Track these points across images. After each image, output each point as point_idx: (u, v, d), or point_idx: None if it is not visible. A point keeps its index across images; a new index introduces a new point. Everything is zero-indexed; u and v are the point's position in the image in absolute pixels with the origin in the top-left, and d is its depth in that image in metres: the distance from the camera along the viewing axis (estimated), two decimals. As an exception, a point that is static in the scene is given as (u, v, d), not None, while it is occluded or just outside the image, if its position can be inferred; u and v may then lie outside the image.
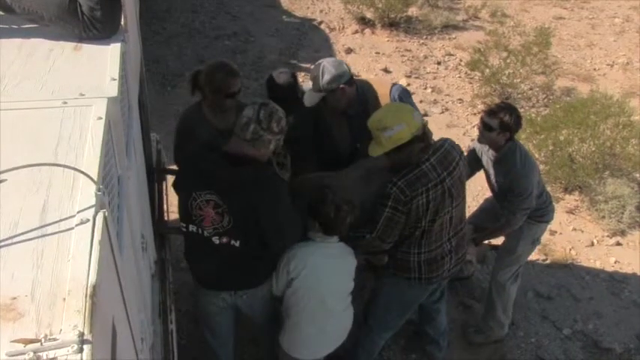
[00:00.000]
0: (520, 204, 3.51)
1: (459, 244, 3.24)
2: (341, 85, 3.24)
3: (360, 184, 3.09)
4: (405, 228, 2.96)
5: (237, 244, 2.69)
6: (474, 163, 3.79)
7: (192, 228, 2.73)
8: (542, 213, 3.72)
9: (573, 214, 5.30)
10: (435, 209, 2.94)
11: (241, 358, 3.51)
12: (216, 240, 2.69)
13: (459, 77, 7.19)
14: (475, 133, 6.21)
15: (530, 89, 6.92)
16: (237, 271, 2.81)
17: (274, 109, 2.65)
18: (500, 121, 3.40)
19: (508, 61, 6.69)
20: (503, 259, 3.88)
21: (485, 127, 3.46)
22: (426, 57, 7.49)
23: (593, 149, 5.41)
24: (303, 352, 3.04)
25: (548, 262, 4.78)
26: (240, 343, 3.45)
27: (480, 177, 4.04)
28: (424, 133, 2.89)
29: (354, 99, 3.34)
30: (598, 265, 4.81)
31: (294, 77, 3.57)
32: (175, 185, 2.84)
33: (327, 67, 3.26)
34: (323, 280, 2.87)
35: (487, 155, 3.67)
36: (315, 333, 2.98)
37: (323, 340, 3.05)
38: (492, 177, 3.69)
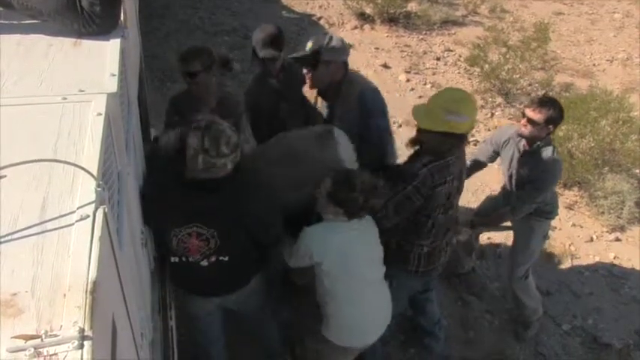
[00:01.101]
0: (536, 196, 3.55)
1: (451, 240, 3.32)
2: (339, 60, 3.22)
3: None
4: (419, 214, 3.00)
5: (227, 258, 2.63)
6: (485, 157, 3.91)
7: (174, 259, 2.63)
8: (550, 209, 3.77)
9: (572, 209, 5.31)
10: (449, 201, 3.01)
11: (237, 355, 3.50)
12: (204, 263, 2.62)
13: (459, 73, 7.19)
14: (474, 128, 6.23)
15: (530, 85, 6.91)
16: (226, 279, 2.77)
17: (219, 130, 2.34)
18: (547, 116, 3.39)
19: (507, 56, 6.68)
20: (518, 257, 3.93)
21: (529, 121, 3.44)
22: (425, 52, 7.48)
23: (593, 145, 5.41)
24: (352, 337, 2.94)
25: (547, 257, 4.78)
26: (236, 341, 3.45)
27: (481, 173, 4.07)
28: (463, 143, 2.97)
29: (336, 83, 3.29)
30: (597, 260, 4.81)
31: (279, 30, 3.59)
32: (146, 220, 2.61)
33: (335, 38, 3.24)
34: (351, 255, 2.79)
35: (517, 147, 3.65)
36: (359, 312, 2.88)
37: (368, 319, 2.95)
38: (514, 169, 3.69)
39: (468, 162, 3.88)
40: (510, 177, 3.74)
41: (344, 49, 3.28)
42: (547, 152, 3.50)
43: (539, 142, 3.50)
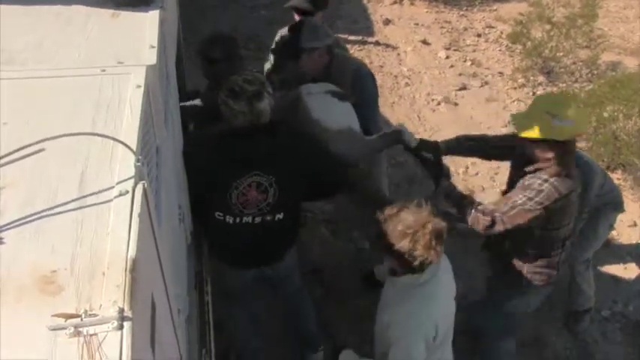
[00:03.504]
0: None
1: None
2: (322, 45, 3.11)
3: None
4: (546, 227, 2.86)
5: (282, 216, 2.65)
6: None
7: (229, 219, 2.63)
8: (618, 201, 3.78)
9: (616, 193, 5.14)
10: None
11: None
12: (258, 219, 2.63)
13: (500, 50, 6.99)
14: (515, 107, 6.07)
15: (574, 63, 6.68)
16: (271, 242, 2.78)
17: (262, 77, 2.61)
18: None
19: (551, 33, 6.46)
20: (585, 241, 3.85)
21: None
22: (465, 29, 7.29)
23: (639, 127, 5.22)
24: None
25: (588, 241, 4.65)
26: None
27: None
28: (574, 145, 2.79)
29: (323, 69, 3.19)
30: (641, 245, 4.67)
31: None
32: (198, 187, 2.66)
33: (313, 23, 3.15)
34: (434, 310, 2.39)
35: None
36: None
37: None
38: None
39: None
40: None
41: (325, 33, 3.16)
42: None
43: None
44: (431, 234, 2.19)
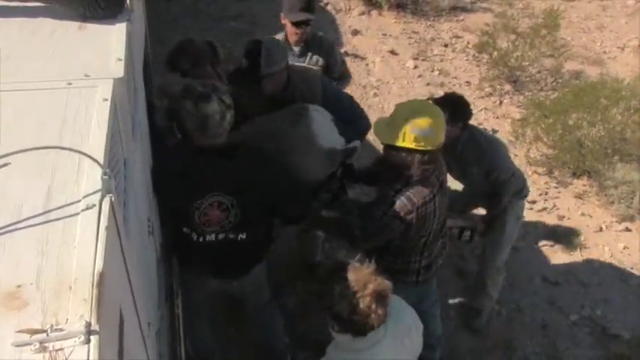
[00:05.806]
0: (509, 186, 3.50)
1: (445, 246, 3.14)
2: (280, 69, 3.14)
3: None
4: (406, 238, 2.79)
5: (245, 236, 2.64)
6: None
7: (194, 236, 2.63)
8: (521, 189, 3.73)
9: (582, 199, 5.25)
10: (439, 216, 2.79)
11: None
12: (221, 236, 2.62)
13: (467, 60, 7.11)
14: (482, 116, 6.16)
15: (539, 72, 6.83)
16: (234, 260, 2.76)
17: (221, 87, 2.56)
18: (450, 113, 3.22)
19: (516, 43, 6.61)
20: (498, 244, 3.83)
21: None
22: (433, 39, 7.40)
23: (603, 134, 5.34)
24: None
25: (555, 247, 4.74)
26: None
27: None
28: (437, 154, 2.69)
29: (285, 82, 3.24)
30: (606, 250, 4.77)
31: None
32: (164, 203, 2.68)
33: (269, 47, 3.12)
34: None
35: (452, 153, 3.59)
36: None
37: None
38: (466, 171, 3.63)
39: None
40: (470, 179, 3.70)
41: (281, 54, 3.20)
42: (479, 141, 3.47)
43: (463, 139, 3.46)
44: (371, 296, 1.99)
